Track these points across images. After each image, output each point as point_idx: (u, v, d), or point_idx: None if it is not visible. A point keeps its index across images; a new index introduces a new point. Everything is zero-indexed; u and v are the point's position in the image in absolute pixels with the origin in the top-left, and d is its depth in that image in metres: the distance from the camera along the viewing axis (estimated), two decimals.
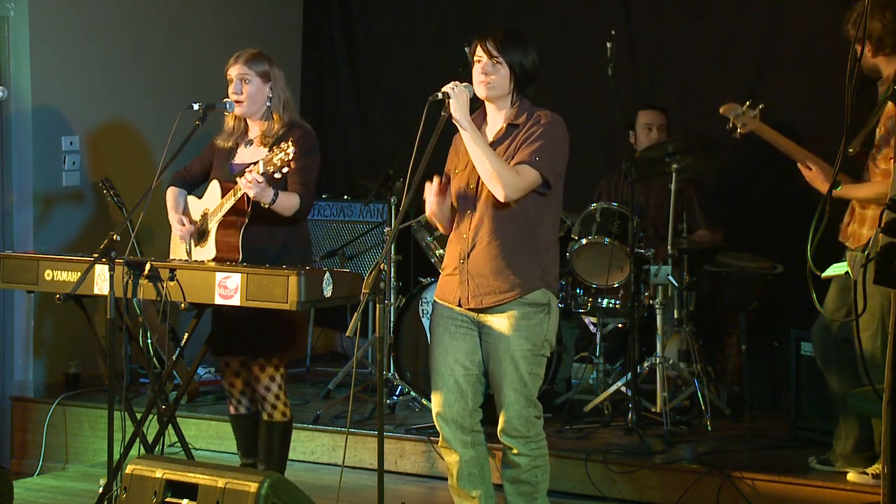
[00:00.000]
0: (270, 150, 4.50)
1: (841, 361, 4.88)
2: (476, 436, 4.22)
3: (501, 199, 4.02)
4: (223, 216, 4.66)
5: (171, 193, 4.96)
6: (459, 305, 4.15)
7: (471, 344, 4.16)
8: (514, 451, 4.15)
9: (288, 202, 4.57)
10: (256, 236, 4.64)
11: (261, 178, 4.41)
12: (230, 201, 4.62)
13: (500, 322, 4.09)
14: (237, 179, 4.53)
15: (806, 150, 4.88)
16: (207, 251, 4.71)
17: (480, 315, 4.12)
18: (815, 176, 4.78)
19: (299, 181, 4.63)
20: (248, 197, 4.54)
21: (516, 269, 4.07)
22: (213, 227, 4.70)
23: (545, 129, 4.08)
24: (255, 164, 4.50)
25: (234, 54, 4.82)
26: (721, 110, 5.12)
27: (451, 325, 4.18)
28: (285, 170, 4.40)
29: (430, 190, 4.11)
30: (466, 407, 4.17)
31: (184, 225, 4.83)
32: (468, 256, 4.13)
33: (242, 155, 4.80)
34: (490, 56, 4.09)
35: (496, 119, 4.18)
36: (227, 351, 4.85)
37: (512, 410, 4.11)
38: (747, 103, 5.06)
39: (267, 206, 4.51)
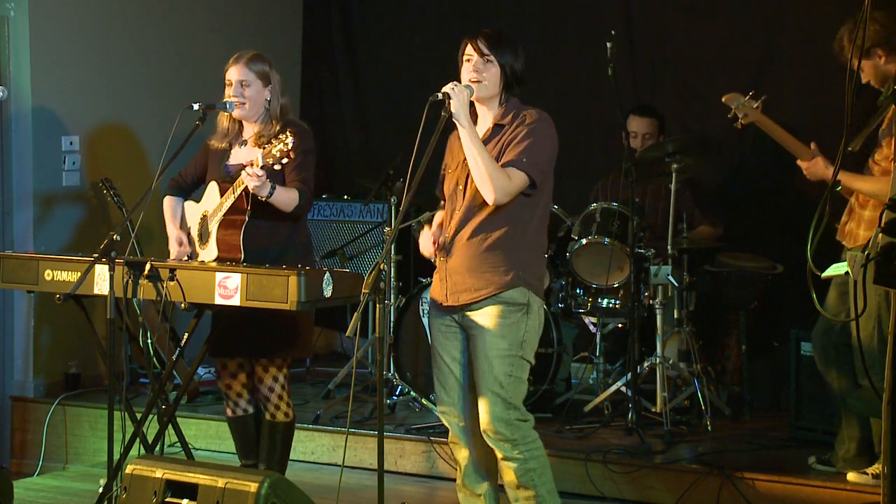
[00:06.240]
0: (269, 142, 4.48)
1: (840, 363, 4.87)
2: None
3: (490, 202, 4.00)
4: (223, 216, 4.65)
5: (168, 204, 4.95)
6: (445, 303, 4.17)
7: (461, 342, 4.17)
8: (500, 455, 4.12)
9: (287, 196, 4.55)
10: (257, 235, 4.63)
11: (261, 173, 4.40)
12: (229, 200, 4.61)
13: (479, 320, 4.08)
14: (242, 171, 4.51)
15: (804, 144, 4.87)
16: (209, 252, 4.70)
17: (464, 313, 4.12)
18: (815, 164, 4.76)
19: (297, 177, 4.61)
20: (246, 195, 4.53)
21: (492, 268, 4.06)
22: (213, 227, 4.70)
23: (531, 129, 4.05)
24: (250, 163, 4.48)
25: (233, 55, 4.81)
26: (723, 99, 5.10)
27: (441, 324, 4.20)
28: (285, 160, 4.38)
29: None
30: (470, 402, 4.17)
31: (181, 245, 4.83)
32: (448, 254, 4.13)
33: (237, 155, 4.79)
34: (481, 54, 4.08)
35: (485, 119, 4.17)
36: (224, 352, 4.81)
37: (489, 412, 4.07)
38: (750, 94, 5.05)
39: (264, 199, 4.50)
